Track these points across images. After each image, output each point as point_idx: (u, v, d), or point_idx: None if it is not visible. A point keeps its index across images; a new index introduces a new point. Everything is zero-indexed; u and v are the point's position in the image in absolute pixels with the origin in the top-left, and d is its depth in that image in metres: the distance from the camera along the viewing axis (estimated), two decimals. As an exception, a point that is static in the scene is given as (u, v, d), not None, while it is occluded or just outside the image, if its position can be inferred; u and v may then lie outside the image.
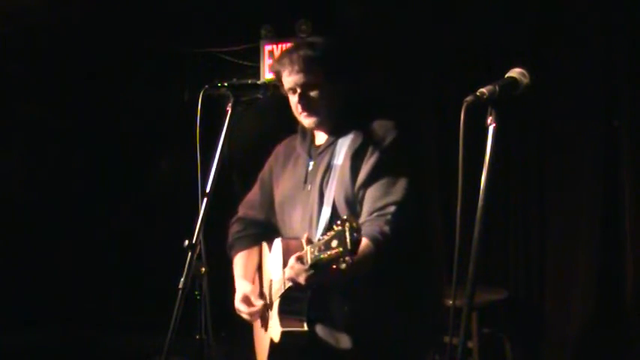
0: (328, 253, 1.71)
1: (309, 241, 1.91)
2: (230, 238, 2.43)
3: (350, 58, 2.25)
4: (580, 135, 3.73)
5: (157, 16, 4.65)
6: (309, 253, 1.82)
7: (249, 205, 2.44)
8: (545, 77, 3.63)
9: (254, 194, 2.44)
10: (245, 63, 4.63)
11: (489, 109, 1.61)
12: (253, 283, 2.33)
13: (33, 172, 4.88)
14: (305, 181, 2.20)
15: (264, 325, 2.28)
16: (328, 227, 1.88)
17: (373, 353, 2.08)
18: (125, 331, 4.58)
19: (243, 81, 2.13)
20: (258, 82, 2.13)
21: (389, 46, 4.23)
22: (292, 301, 2.05)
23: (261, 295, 2.30)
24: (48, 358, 4.41)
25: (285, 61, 2.10)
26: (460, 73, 4.02)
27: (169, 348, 1.83)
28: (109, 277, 4.88)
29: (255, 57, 4.52)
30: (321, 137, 2.23)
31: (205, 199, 1.90)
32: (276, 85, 2.13)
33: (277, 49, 4.41)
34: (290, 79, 2.11)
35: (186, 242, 1.87)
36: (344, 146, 2.11)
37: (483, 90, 1.60)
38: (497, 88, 1.60)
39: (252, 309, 2.24)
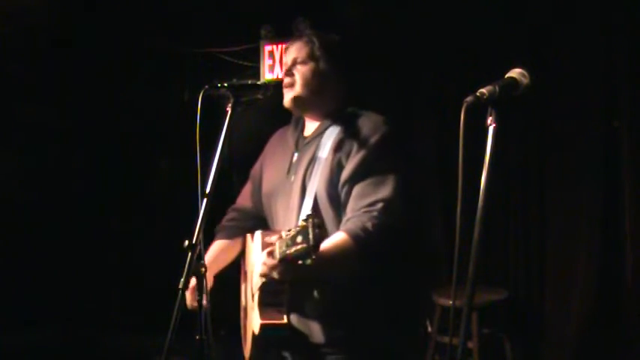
0: (294, 248, 1.72)
1: (281, 237, 1.91)
2: (219, 225, 2.43)
3: (348, 56, 2.23)
4: (580, 135, 3.74)
5: (157, 16, 4.65)
6: (277, 247, 1.82)
7: (242, 195, 2.46)
8: (545, 77, 3.63)
9: (247, 184, 2.46)
10: (245, 63, 4.63)
11: (489, 110, 1.60)
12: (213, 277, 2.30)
13: (33, 172, 4.88)
14: (288, 172, 2.19)
15: (247, 316, 2.28)
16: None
17: (346, 345, 2.06)
18: (125, 331, 4.58)
19: (243, 81, 2.13)
20: (258, 83, 2.12)
21: (389, 46, 4.24)
22: (271, 294, 2.04)
23: (245, 288, 2.29)
24: (48, 358, 4.41)
25: (291, 41, 2.18)
26: (460, 73, 4.02)
27: (169, 348, 1.83)
28: (109, 277, 4.88)
29: (255, 57, 4.53)
30: (310, 128, 2.22)
31: (205, 199, 1.90)
32: (276, 85, 2.14)
33: (277, 49, 4.42)
34: (285, 56, 2.17)
35: (186, 242, 1.87)
36: (330, 139, 2.10)
37: (483, 90, 1.60)
38: (497, 88, 1.60)
39: (193, 305, 2.22)
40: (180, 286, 1.86)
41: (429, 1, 4.10)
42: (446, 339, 3.77)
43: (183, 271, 1.87)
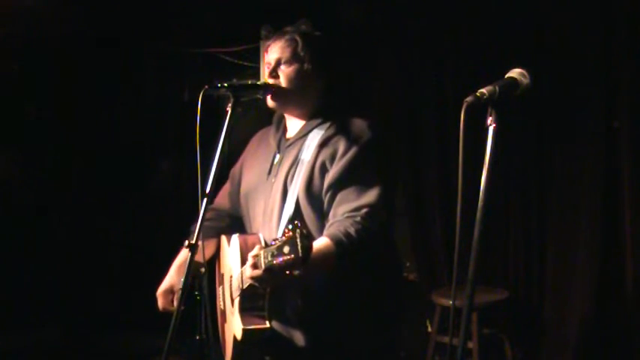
0: (281, 259, 1.69)
1: (264, 245, 1.90)
2: (192, 225, 2.42)
3: (332, 55, 2.21)
4: (580, 135, 3.73)
5: (157, 16, 4.65)
6: (262, 257, 1.79)
7: (220, 194, 2.41)
8: (546, 77, 3.63)
9: (226, 184, 2.43)
10: (245, 63, 4.63)
11: (489, 110, 1.60)
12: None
13: (33, 172, 4.89)
14: (269, 173, 2.17)
15: (226, 319, 2.27)
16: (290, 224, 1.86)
17: (326, 349, 2.05)
18: (125, 331, 4.58)
19: (243, 81, 2.14)
20: (258, 83, 2.13)
21: (389, 46, 4.24)
22: (252, 298, 2.03)
23: (222, 291, 2.27)
24: (48, 358, 4.42)
25: (274, 40, 2.15)
26: (460, 73, 4.02)
27: (169, 348, 1.83)
28: (109, 277, 4.88)
29: (255, 57, 4.52)
30: (292, 129, 2.19)
31: (205, 199, 1.90)
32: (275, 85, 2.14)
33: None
34: (268, 56, 2.14)
35: (186, 242, 1.87)
36: (314, 141, 2.08)
37: (483, 90, 1.60)
38: (497, 88, 1.59)
39: (167, 308, 2.22)
40: (181, 285, 1.87)
41: (429, 1, 4.10)
42: (446, 339, 3.77)
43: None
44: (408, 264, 4.26)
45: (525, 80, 1.64)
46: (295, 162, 2.09)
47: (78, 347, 4.54)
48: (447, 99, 4.10)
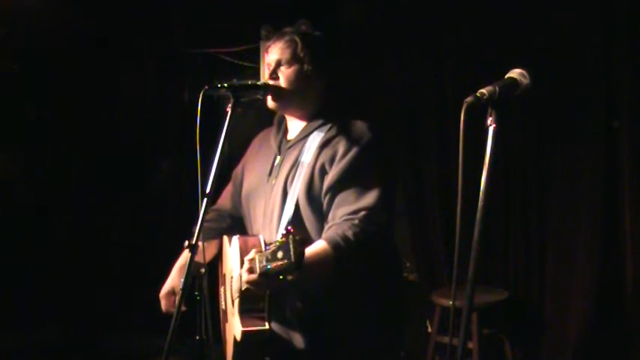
0: (275, 264, 1.70)
1: (262, 248, 1.90)
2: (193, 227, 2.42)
3: (332, 55, 2.20)
4: (580, 135, 3.73)
5: (157, 16, 4.65)
6: (257, 262, 1.79)
7: (222, 196, 2.43)
8: (546, 77, 3.63)
9: (228, 185, 2.43)
10: (245, 64, 4.63)
11: (489, 110, 1.60)
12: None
13: (33, 172, 4.89)
14: (270, 174, 2.17)
15: (227, 320, 2.27)
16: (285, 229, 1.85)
17: (326, 351, 2.05)
18: (125, 331, 4.58)
19: (243, 82, 2.14)
20: (258, 83, 2.13)
21: (389, 46, 4.24)
22: (252, 300, 2.03)
23: (224, 292, 2.28)
24: (48, 358, 4.42)
25: (273, 41, 2.14)
26: (460, 73, 4.02)
27: (169, 348, 1.83)
28: (109, 277, 4.88)
29: (255, 58, 4.52)
30: (293, 131, 2.19)
31: (205, 199, 1.90)
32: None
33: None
34: (268, 57, 2.13)
35: (187, 243, 1.87)
36: (314, 144, 2.08)
37: (483, 90, 1.60)
38: (497, 88, 1.59)
39: (170, 310, 2.22)
40: (181, 286, 1.87)
41: (429, 1, 4.10)
42: (446, 339, 3.78)
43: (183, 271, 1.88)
44: (408, 264, 4.26)
45: (525, 80, 1.64)
46: (295, 164, 2.09)
47: (78, 347, 4.54)
48: (447, 99, 4.09)
